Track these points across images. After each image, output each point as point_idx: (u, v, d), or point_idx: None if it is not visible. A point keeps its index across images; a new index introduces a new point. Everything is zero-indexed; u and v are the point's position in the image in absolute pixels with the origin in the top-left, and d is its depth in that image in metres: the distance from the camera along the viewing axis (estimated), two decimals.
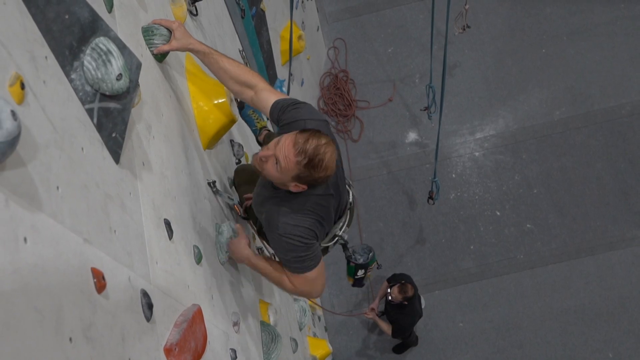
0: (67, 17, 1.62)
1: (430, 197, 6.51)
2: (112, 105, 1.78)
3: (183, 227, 2.41)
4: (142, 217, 1.98)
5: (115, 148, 1.81)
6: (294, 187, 2.50)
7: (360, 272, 3.28)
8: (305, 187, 2.50)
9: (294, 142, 2.38)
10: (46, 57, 1.52)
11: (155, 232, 2.07)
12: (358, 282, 3.37)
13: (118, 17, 2.16)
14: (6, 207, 1.20)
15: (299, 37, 6.15)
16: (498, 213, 7.73)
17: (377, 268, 3.41)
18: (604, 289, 7.44)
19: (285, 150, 2.38)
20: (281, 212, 2.60)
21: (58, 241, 1.38)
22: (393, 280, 6.73)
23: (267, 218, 2.67)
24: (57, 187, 1.43)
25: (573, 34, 8.06)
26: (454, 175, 7.88)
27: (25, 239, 1.24)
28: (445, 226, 7.74)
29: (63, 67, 1.60)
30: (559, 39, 8.08)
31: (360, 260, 3.25)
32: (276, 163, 2.42)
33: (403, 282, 6.54)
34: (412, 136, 8.02)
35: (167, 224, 2.21)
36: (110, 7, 2.10)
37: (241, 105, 3.54)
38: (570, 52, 8.01)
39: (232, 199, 3.24)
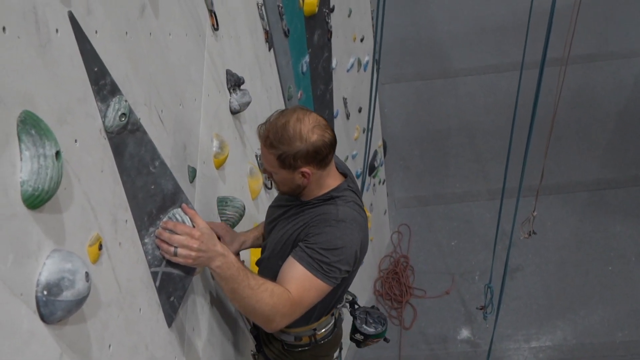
0: (152, 187, 1.77)
1: None
2: (175, 271, 1.88)
3: None
4: None
5: (170, 312, 1.88)
6: (300, 176, 2.09)
7: (358, 336, 2.74)
8: (309, 167, 2.06)
9: (260, 139, 2.09)
10: (126, 221, 1.65)
11: None
12: (355, 342, 2.84)
13: (198, 187, 2.33)
14: None
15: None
16: None
17: (386, 341, 2.84)
18: None
19: (262, 151, 2.11)
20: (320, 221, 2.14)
21: None
22: None
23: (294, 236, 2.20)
24: (109, 346, 1.49)
25: None
26: None
27: None
28: None
29: (139, 231, 1.73)
30: (626, 259, 7.95)
31: (371, 331, 2.71)
32: (273, 175, 2.14)
33: None
34: (464, 333, 7.81)
35: None
36: (192, 177, 2.27)
37: None
38: (638, 274, 7.84)
39: None
